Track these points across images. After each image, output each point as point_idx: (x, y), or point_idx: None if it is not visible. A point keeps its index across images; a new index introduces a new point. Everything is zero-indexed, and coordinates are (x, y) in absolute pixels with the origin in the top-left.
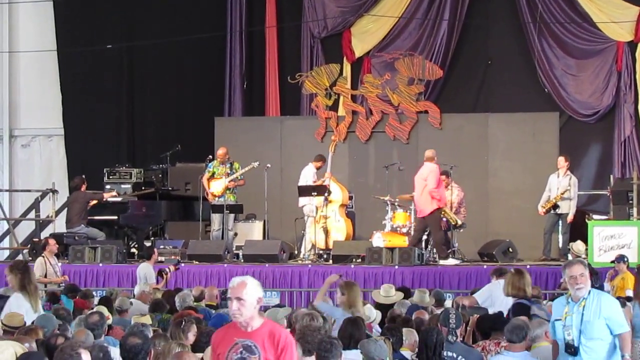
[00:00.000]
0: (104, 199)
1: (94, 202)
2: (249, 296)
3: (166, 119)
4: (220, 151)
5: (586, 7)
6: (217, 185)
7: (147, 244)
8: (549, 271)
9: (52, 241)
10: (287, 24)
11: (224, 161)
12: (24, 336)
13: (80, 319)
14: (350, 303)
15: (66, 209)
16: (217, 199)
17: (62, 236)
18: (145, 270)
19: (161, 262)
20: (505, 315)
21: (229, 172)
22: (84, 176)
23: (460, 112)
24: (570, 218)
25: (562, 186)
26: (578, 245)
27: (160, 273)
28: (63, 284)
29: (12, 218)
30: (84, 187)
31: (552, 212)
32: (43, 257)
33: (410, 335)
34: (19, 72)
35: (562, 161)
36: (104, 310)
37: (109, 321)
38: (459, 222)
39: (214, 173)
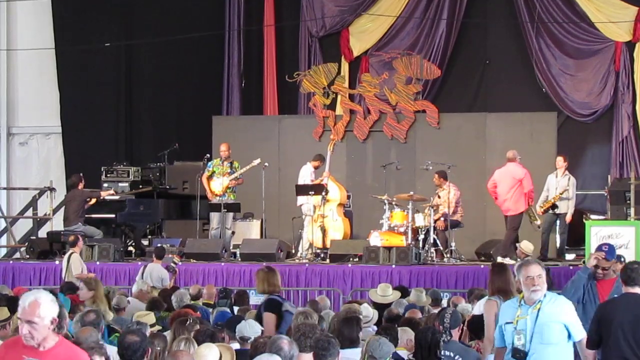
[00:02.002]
0: (102, 197)
1: (92, 201)
2: (41, 319)
3: (164, 117)
4: (222, 147)
5: (584, 7)
6: (217, 184)
7: (145, 242)
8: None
9: (81, 238)
10: (285, 23)
11: (226, 158)
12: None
13: (81, 316)
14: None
15: (64, 207)
16: (217, 197)
17: (60, 234)
18: (158, 271)
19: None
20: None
21: (230, 171)
22: (81, 174)
23: (458, 111)
24: (568, 218)
25: (560, 186)
26: (527, 245)
27: (168, 269)
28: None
29: (10, 216)
30: (81, 185)
31: (550, 212)
32: (75, 253)
33: (405, 335)
34: (17, 70)
35: (560, 161)
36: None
37: (110, 317)
38: (538, 223)
39: (213, 172)
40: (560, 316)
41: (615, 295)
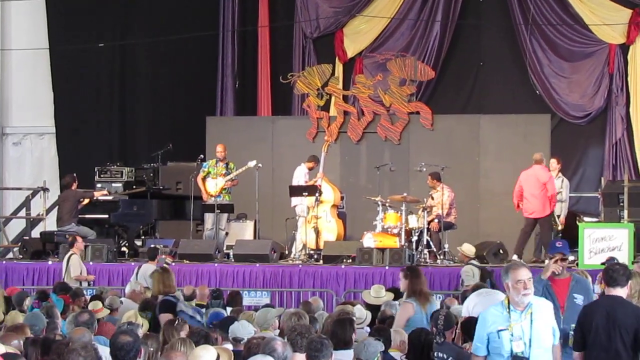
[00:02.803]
0: (95, 197)
1: (86, 201)
2: None
3: (158, 118)
4: (219, 148)
5: (578, 10)
6: (212, 184)
7: (138, 243)
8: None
9: (79, 239)
10: (279, 24)
11: (222, 158)
12: (12, 333)
13: (73, 316)
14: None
15: (57, 207)
16: (213, 198)
17: (53, 234)
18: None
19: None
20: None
21: (225, 172)
22: (74, 174)
23: (451, 113)
24: (561, 220)
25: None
26: (468, 247)
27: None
28: (92, 283)
29: (3, 216)
30: (74, 186)
31: None
32: (75, 254)
33: (398, 336)
34: (11, 70)
35: (554, 163)
36: (98, 305)
37: (102, 314)
38: (560, 227)
39: (209, 172)
40: (550, 320)
41: (575, 295)
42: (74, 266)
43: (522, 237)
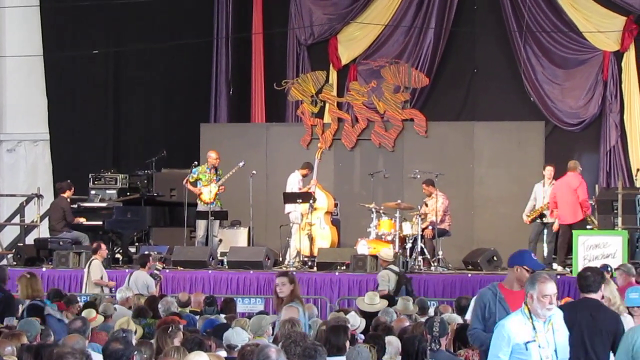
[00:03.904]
0: (75, 222)
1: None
2: None
3: (152, 124)
4: (213, 154)
5: (572, 17)
6: (207, 191)
7: (132, 249)
8: None
9: (103, 246)
10: (273, 31)
11: (215, 166)
12: (7, 340)
13: (68, 323)
14: None
15: (48, 216)
16: (206, 205)
17: (47, 241)
18: (143, 279)
19: None
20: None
21: (216, 178)
22: (69, 181)
23: (446, 120)
24: (556, 227)
25: (547, 195)
26: (387, 252)
27: (153, 276)
28: (114, 289)
29: None
30: (68, 193)
31: (538, 221)
32: (97, 260)
33: (391, 344)
34: (5, 77)
35: (551, 171)
36: (92, 313)
37: (96, 322)
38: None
39: (199, 179)
40: (565, 329)
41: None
42: (94, 271)
43: (562, 245)
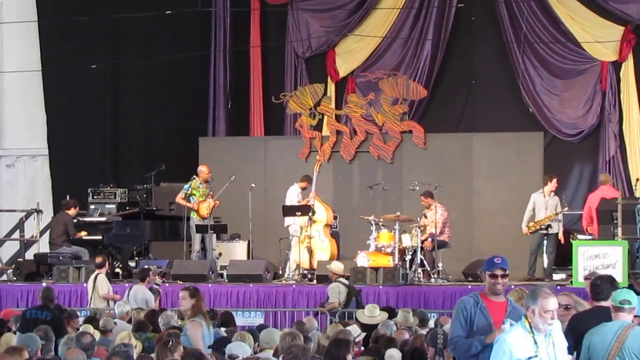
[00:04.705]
0: (76, 236)
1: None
2: None
3: (150, 138)
4: (204, 168)
5: (570, 27)
6: (205, 207)
7: (132, 263)
8: None
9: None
10: (271, 44)
11: (207, 180)
12: (8, 355)
13: (69, 338)
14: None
15: (49, 230)
16: (204, 220)
17: (47, 256)
18: (142, 293)
19: None
20: None
21: (210, 192)
22: (75, 200)
23: (444, 131)
24: (561, 237)
25: (551, 206)
26: (337, 265)
27: (152, 290)
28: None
29: None
30: (72, 211)
31: (542, 231)
32: (102, 274)
33: (392, 358)
34: (4, 92)
35: (554, 182)
36: (90, 329)
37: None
38: None
39: (192, 194)
40: (564, 340)
41: (511, 321)
42: (101, 285)
43: None
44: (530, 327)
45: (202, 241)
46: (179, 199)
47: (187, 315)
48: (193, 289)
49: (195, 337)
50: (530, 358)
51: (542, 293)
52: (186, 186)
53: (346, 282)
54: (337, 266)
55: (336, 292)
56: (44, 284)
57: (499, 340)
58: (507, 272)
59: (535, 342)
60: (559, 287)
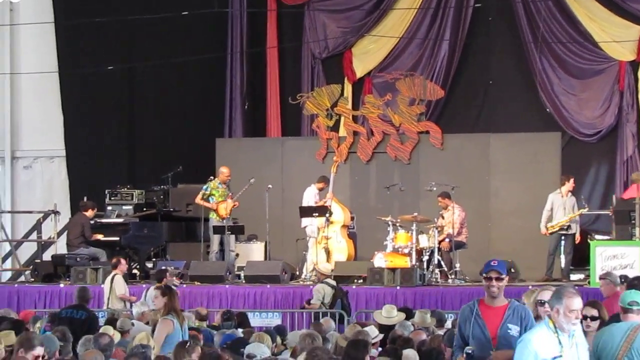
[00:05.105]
0: (92, 238)
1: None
2: None
3: (167, 140)
4: (224, 170)
5: (588, 27)
6: (223, 207)
7: (149, 265)
8: None
9: (123, 260)
10: (288, 45)
11: (226, 181)
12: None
13: (87, 339)
14: None
15: (67, 231)
16: (222, 220)
17: (64, 257)
18: None
19: None
20: None
21: (230, 193)
22: (93, 202)
23: (461, 132)
24: (578, 238)
25: (569, 206)
26: (326, 266)
27: None
28: (134, 304)
29: (14, 239)
30: (91, 212)
31: (560, 232)
32: (119, 274)
33: (408, 358)
34: (21, 94)
35: (572, 183)
36: (110, 330)
37: (114, 340)
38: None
39: (211, 195)
40: (585, 341)
41: (509, 325)
42: (118, 286)
43: None
44: (555, 327)
45: (221, 242)
46: (198, 199)
47: (161, 314)
48: (165, 287)
49: (159, 333)
50: (555, 358)
51: (567, 293)
52: (205, 187)
53: (333, 283)
54: (325, 267)
55: (321, 294)
56: (62, 285)
57: (524, 340)
58: (503, 275)
59: (560, 342)
60: (576, 287)
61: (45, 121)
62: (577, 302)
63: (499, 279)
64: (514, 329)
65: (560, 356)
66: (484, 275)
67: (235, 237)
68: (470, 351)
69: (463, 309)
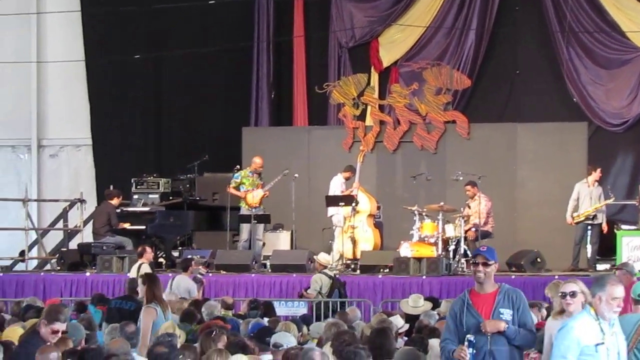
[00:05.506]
0: (118, 227)
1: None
2: None
3: (194, 128)
4: (258, 160)
5: (615, 17)
6: (256, 195)
7: (175, 254)
8: None
9: (149, 249)
10: (314, 34)
11: (257, 171)
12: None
13: (113, 327)
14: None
15: (92, 220)
16: (252, 209)
17: (90, 246)
18: (185, 283)
19: None
20: None
21: (261, 182)
22: (119, 190)
23: (488, 121)
24: (605, 227)
25: (595, 196)
26: (324, 256)
27: (195, 280)
28: None
29: (41, 228)
30: (116, 200)
31: (587, 222)
32: (145, 263)
33: (433, 348)
34: (47, 83)
35: (598, 172)
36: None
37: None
38: None
39: (242, 183)
40: (623, 334)
41: (501, 310)
42: None
43: None
44: (596, 314)
45: (251, 231)
46: (231, 188)
47: (145, 302)
48: (146, 275)
49: (145, 323)
50: (598, 345)
51: (610, 280)
52: (236, 175)
53: (331, 273)
54: (324, 257)
55: (318, 284)
56: (87, 274)
57: (566, 327)
58: (491, 261)
59: (602, 330)
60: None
61: (71, 110)
62: (619, 290)
63: (485, 264)
64: (506, 313)
65: (602, 343)
66: (472, 261)
67: (264, 227)
68: (472, 339)
69: (454, 302)
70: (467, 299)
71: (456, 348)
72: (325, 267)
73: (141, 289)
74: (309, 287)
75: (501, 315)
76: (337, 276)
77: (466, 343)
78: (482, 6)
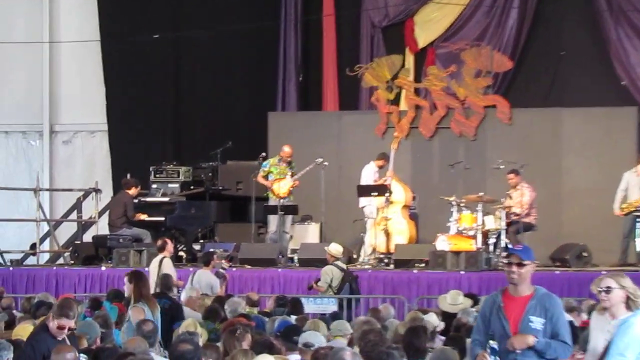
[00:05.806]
0: (136, 218)
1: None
2: None
3: (216, 113)
4: (287, 149)
5: None
6: (283, 185)
7: (196, 247)
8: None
9: (169, 241)
10: (345, 12)
11: (287, 160)
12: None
13: (138, 324)
14: None
15: (108, 210)
16: (281, 200)
17: (106, 239)
18: (207, 279)
19: None
20: None
21: (291, 171)
22: (136, 179)
23: (530, 106)
24: None
25: None
26: (336, 247)
27: (217, 275)
28: (181, 289)
29: (53, 219)
30: (134, 190)
31: (635, 213)
32: (167, 257)
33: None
34: (60, 64)
35: None
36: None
37: None
38: None
39: (270, 172)
40: None
41: (531, 317)
42: (167, 270)
43: None
44: None
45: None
46: (260, 177)
47: (133, 301)
48: (132, 273)
49: (134, 321)
50: None
51: None
52: (264, 163)
53: (343, 266)
54: (335, 248)
55: (329, 276)
56: (103, 268)
57: (627, 323)
58: (526, 262)
59: None
60: None
61: (86, 93)
62: None
63: (520, 265)
64: (536, 322)
65: None
66: (505, 261)
67: (292, 218)
68: (495, 346)
69: (486, 300)
70: (499, 301)
71: (480, 353)
72: (337, 259)
73: (127, 287)
74: (319, 279)
75: (530, 324)
76: (349, 269)
77: (488, 350)
78: None
